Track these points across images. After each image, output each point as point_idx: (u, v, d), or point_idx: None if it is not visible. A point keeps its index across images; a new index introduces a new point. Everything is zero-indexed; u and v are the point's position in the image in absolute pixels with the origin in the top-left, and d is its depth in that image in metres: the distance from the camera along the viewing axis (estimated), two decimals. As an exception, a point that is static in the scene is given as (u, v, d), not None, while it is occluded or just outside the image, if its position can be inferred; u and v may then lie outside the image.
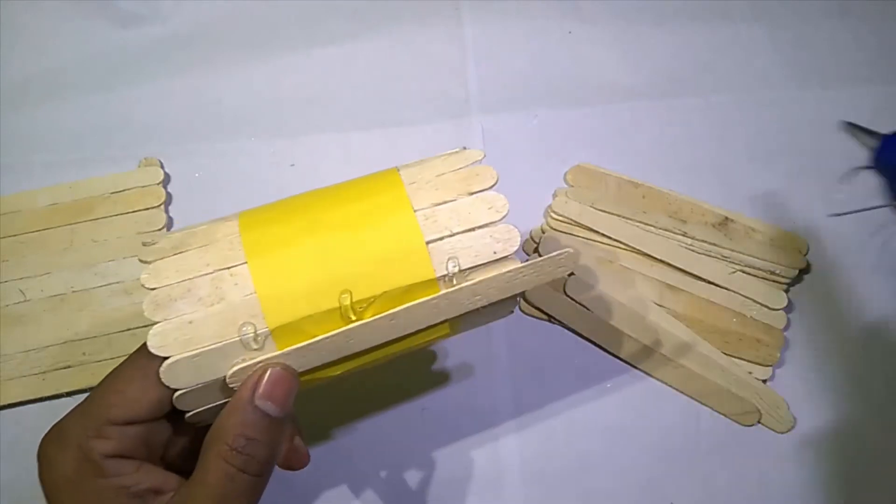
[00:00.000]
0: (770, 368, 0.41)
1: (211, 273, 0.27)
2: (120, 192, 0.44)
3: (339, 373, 0.29)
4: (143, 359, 0.27)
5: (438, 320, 0.28)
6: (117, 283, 0.42)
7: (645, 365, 0.41)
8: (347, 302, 0.27)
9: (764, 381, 0.41)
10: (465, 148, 0.31)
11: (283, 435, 0.27)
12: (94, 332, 0.41)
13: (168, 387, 0.26)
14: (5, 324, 0.41)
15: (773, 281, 0.43)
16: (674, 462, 0.40)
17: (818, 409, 0.41)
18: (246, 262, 0.27)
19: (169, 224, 0.44)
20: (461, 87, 0.48)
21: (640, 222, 0.44)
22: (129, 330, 0.41)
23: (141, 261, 0.27)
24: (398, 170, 0.30)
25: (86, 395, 0.40)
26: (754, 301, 0.42)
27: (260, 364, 0.26)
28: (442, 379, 0.41)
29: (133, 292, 0.42)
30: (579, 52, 0.49)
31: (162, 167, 0.45)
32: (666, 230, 0.43)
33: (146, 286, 0.27)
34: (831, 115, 0.47)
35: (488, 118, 0.47)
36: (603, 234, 0.43)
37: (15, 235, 0.43)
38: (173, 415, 0.28)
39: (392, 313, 0.27)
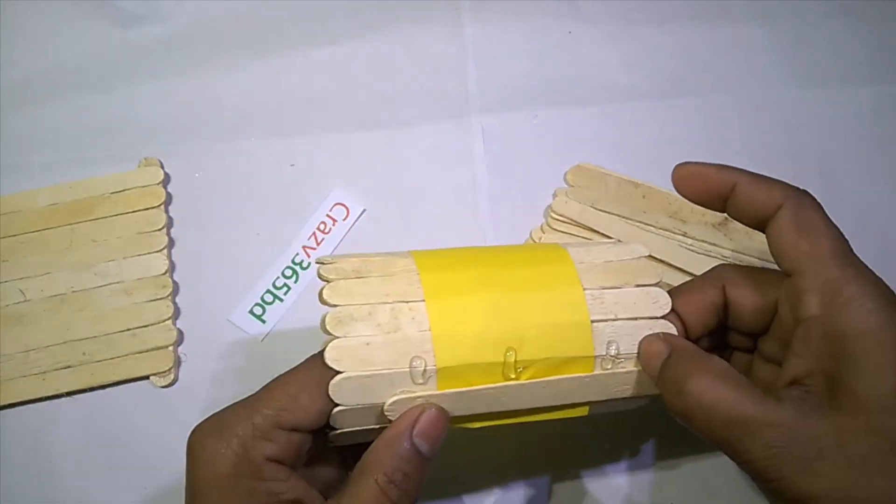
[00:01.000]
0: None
1: (391, 303, 0.28)
2: (120, 192, 0.44)
3: (476, 426, 0.30)
4: (317, 369, 0.27)
5: (585, 399, 0.30)
6: (117, 283, 0.42)
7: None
8: (512, 359, 0.28)
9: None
10: (619, 241, 0.33)
11: (424, 481, 0.28)
12: (94, 332, 0.41)
13: (333, 400, 0.27)
14: (5, 324, 0.41)
15: (773, 281, 0.43)
16: (674, 462, 0.40)
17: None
18: (424, 301, 0.28)
19: (169, 224, 0.44)
20: (461, 87, 0.48)
21: (640, 222, 0.44)
22: (128, 330, 0.41)
23: (321, 277, 0.29)
24: (566, 247, 0.31)
25: (85, 394, 0.41)
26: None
27: (420, 401, 0.27)
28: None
29: (133, 292, 0.42)
30: (579, 52, 0.49)
31: (162, 167, 0.45)
32: (666, 230, 0.43)
33: (329, 301, 0.28)
34: (831, 115, 0.47)
35: (488, 118, 0.47)
36: (603, 235, 0.43)
37: (15, 235, 0.43)
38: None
39: (548, 381, 0.29)
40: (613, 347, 0.29)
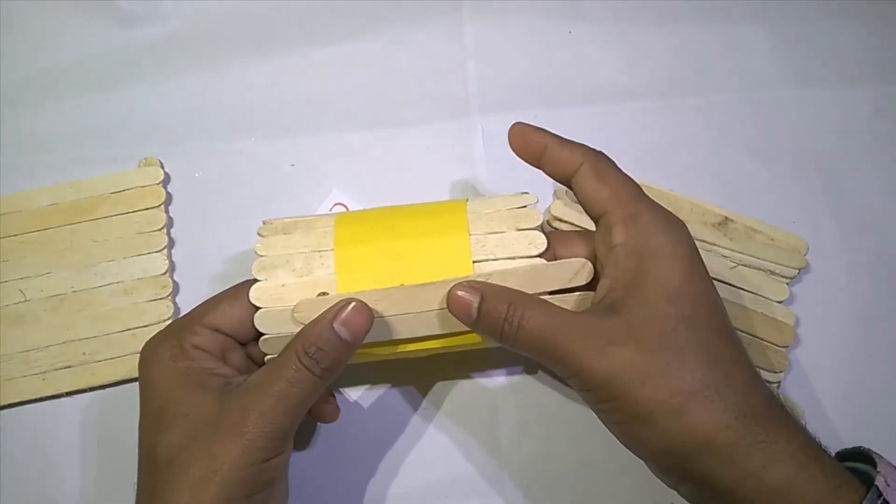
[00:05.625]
0: (781, 374, 0.41)
1: (306, 252, 0.34)
2: (120, 192, 0.44)
3: (386, 353, 0.35)
4: (235, 289, 0.34)
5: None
6: (117, 283, 0.42)
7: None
8: None
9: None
10: (526, 192, 0.36)
11: (346, 359, 0.32)
12: (94, 332, 0.41)
13: (258, 330, 0.33)
14: (5, 324, 0.41)
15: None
16: (674, 462, 0.40)
17: (817, 408, 0.41)
18: (332, 249, 0.34)
19: (169, 224, 0.44)
20: (461, 87, 0.48)
21: (640, 222, 0.44)
22: (128, 330, 0.41)
23: (258, 234, 0.35)
24: (467, 200, 0.36)
25: (85, 394, 0.41)
26: (756, 294, 0.42)
27: (345, 299, 0.32)
28: (442, 378, 0.42)
29: (133, 292, 0.42)
30: (579, 52, 0.49)
31: (162, 167, 0.45)
32: (666, 230, 0.43)
33: (258, 253, 0.34)
34: (831, 115, 0.47)
35: (488, 118, 0.47)
36: (603, 234, 0.43)
37: (15, 235, 0.43)
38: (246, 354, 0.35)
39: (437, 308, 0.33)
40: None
